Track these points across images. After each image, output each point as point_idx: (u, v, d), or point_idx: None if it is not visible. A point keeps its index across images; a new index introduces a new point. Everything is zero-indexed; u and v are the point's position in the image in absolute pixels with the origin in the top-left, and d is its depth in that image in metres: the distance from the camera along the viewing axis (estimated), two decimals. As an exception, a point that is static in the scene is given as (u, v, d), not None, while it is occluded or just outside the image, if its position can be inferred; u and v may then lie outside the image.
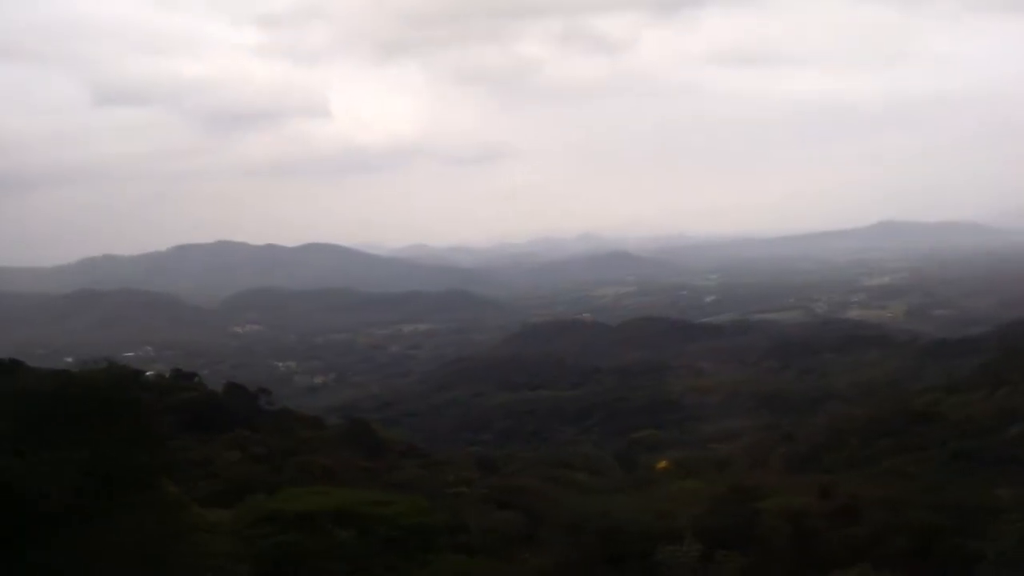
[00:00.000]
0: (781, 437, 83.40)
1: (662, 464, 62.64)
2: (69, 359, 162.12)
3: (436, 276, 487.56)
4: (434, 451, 76.77)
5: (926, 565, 24.73)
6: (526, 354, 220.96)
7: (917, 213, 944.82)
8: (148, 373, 74.12)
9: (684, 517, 27.42)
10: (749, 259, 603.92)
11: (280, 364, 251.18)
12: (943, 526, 26.86)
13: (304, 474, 41.55)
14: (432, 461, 60.98)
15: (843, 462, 64.66)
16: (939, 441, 60.74)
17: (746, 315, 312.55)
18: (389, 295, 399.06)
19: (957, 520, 27.45)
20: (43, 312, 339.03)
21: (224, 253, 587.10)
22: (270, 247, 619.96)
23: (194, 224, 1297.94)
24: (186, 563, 19.27)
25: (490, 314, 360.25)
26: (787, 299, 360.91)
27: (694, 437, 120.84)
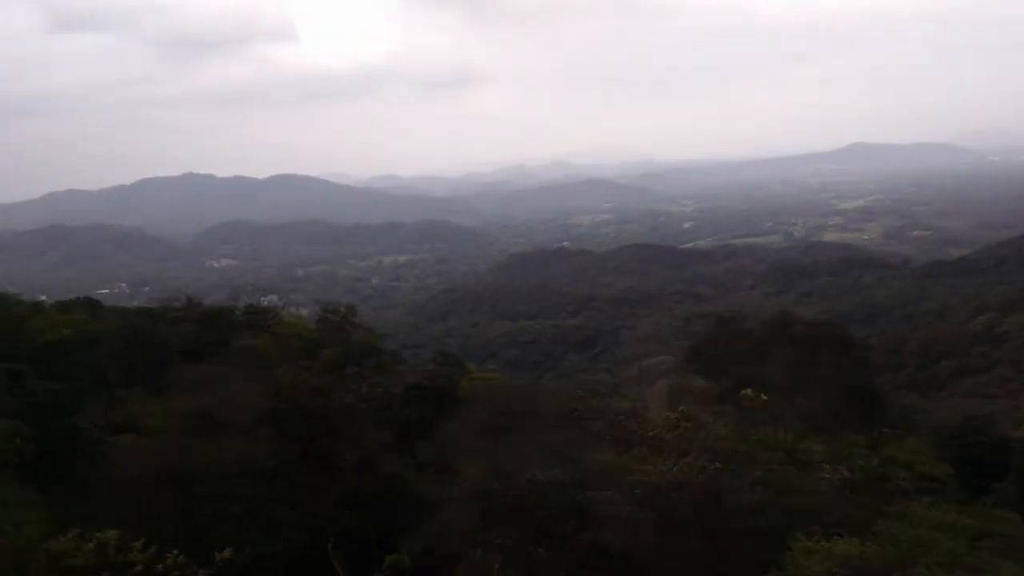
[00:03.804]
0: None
1: (746, 392, 59.95)
2: (43, 297, 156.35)
3: (410, 206, 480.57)
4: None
5: None
6: (517, 283, 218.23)
7: (889, 135, 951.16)
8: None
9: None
10: (722, 184, 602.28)
11: (263, 298, 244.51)
12: None
13: None
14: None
15: (903, 385, 62.89)
16: (1010, 362, 58.99)
17: (726, 240, 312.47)
18: (364, 226, 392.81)
19: None
20: (11, 249, 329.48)
21: (191, 186, 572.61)
22: (239, 179, 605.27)
23: (159, 156, 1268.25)
24: None
25: (469, 244, 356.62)
26: (764, 223, 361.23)
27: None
